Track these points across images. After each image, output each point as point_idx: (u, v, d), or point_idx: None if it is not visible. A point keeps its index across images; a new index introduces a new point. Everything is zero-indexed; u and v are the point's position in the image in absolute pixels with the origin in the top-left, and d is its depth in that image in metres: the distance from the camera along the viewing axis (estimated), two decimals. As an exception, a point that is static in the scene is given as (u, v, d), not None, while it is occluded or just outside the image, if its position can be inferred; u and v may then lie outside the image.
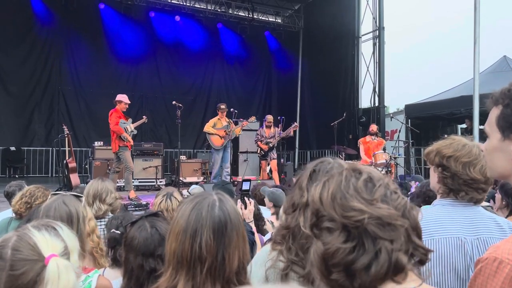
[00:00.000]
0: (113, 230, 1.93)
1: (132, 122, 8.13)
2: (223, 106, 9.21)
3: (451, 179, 1.51)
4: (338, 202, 0.80)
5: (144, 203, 6.83)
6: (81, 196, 2.19)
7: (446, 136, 1.62)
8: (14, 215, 3.07)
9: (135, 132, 8.18)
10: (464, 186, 1.50)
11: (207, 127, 9.04)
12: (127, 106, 8.01)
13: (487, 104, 1.09)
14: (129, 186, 7.80)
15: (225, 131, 8.89)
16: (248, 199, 2.70)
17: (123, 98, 7.99)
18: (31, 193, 3.05)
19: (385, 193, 0.83)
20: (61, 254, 1.04)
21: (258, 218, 3.44)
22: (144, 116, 8.45)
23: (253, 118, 9.56)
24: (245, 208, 2.69)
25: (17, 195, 3.10)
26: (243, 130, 9.83)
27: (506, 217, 2.79)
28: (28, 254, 0.97)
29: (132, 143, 7.94)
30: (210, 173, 11.37)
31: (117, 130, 7.66)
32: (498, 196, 2.96)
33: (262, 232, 3.04)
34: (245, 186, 2.78)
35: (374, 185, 0.83)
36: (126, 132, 7.79)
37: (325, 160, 1.43)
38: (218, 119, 9.11)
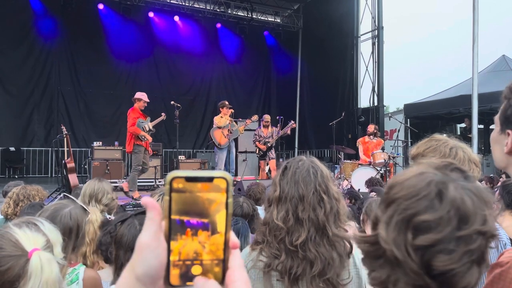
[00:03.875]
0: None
1: (151, 121, 8.11)
2: (227, 103, 9.16)
3: None
4: None
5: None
6: (88, 212, 2.18)
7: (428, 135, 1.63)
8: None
9: (154, 130, 8.12)
10: None
11: (219, 121, 8.88)
12: (145, 105, 7.94)
13: (504, 92, 1.12)
14: (134, 186, 7.76)
15: (228, 129, 8.84)
16: None
17: (142, 96, 7.92)
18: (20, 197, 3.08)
19: None
20: (43, 248, 1.07)
21: (256, 218, 3.44)
22: (162, 113, 8.35)
23: (255, 117, 9.48)
24: None
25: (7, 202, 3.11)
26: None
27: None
28: (11, 251, 1.00)
29: (150, 140, 7.87)
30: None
31: (133, 131, 7.60)
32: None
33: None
34: None
35: None
36: (144, 131, 7.73)
37: (298, 157, 1.55)
38: (221, 117, 8.99)
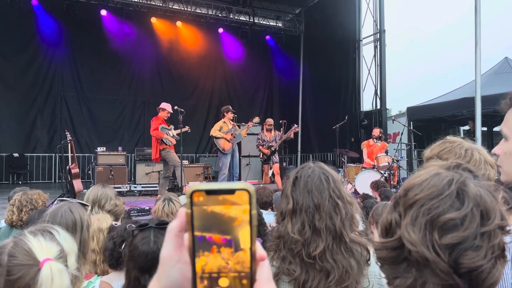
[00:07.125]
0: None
1: (175, 128, 8.29)
2: (230, 107, 9.18)
3: None
4: None
5: (147, 208, 6.82)
6: (87, 205, 2.20)
7: (441, 137, 1.61)
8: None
9: (178, 138, 8.26)
10: None
11: (215, 132, 8.82)
12: (168, 115, 8.23)
13: (502, 105, 1.05)
14: (183, 182, 7.81)
15: (231, 134, 8.82)
16: None
17: (166, 106, 8.21)
18: (22, 203, 3.09)
19: None
20: (56, 258, 1.06)
21: (259, 223, 3.42)
22: (187, 126, 8.43)
23: (257, 119, 9.42)
24: None
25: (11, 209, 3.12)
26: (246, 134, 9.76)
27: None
28: (23, 259, 0.99)
29: (174, 142, 8.08)
30: (213, 177, 11.38)
31: (156, 134, 7.87)
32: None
33: (263, 237, 3.03)
34: None
35: None
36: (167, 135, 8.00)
37: (306, 165, 1.50)
38: (224, 122, 8.95)
